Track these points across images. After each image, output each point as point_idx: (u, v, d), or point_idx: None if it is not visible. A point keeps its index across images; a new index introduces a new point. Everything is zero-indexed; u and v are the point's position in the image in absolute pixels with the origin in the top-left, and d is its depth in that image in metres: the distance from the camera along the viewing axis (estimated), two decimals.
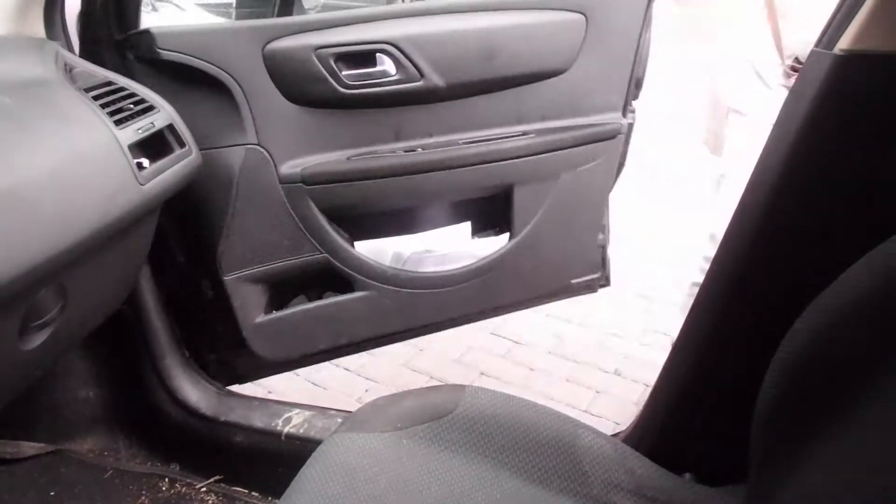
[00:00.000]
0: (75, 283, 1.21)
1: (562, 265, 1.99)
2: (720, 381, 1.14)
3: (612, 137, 1.83)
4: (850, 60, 0.87)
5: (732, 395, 1.10)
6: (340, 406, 2.24)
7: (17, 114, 1.11)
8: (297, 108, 1.56)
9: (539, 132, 1.75)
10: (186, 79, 1.48)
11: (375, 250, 1.79)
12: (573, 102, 1.76)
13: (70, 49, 1.47)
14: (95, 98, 1.27)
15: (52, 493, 1.71)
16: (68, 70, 1.34)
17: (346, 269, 1.71)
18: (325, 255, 1.68)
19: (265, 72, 1.51)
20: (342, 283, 1.74)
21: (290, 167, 1.59)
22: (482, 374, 2.60)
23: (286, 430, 1.70)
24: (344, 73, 1.55)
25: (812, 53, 0.93)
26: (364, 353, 2.63)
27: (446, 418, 1.09)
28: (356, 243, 1.75)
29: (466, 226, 1.90)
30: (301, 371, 2.58)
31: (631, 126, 1.87)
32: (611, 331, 2.86)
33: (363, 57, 1.57)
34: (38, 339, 1.16)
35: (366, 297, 1.74)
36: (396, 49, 1.55)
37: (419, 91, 1.59)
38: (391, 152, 1.65)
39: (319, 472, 0.98)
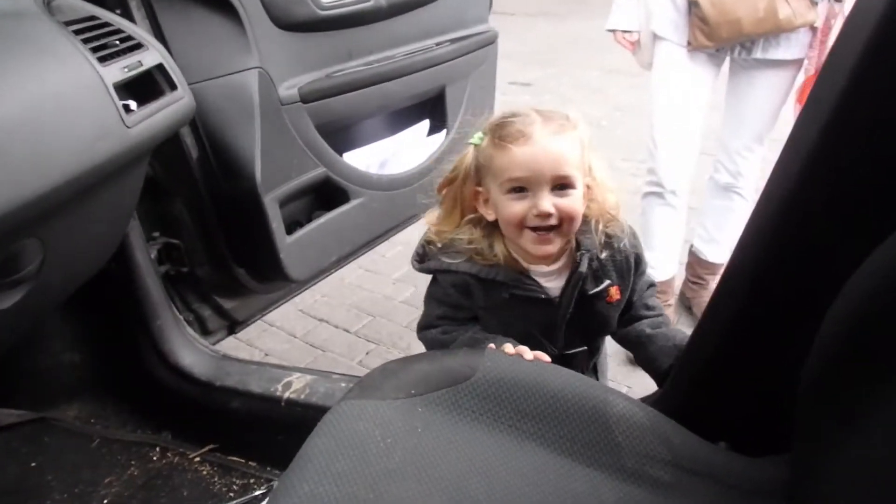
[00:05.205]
0: (54, 237, 1.14)
1: None
2: (753, 348, 1.06)
3: (493, 42, 2.25)
4: None
5: (766, 362, 1.04)
6: (341, 370, 2.17)
7: None
8: (281, 31, 1.68)
9: (452, 41, 2.10)
10: (203, 4, 1.54)
11: (359, 158, 1.99)
12: (458, 17, 2.13)
13: None
14: (77, 33, 1.19)
15: (33, 464, 1.64)
16: (46, 2, 1.25)
17: (341, 181, 1.87)
18: (325, 169, 1.81)
19: None
20: (339, 194, 1.89)
21: (286, 88, 1.69)
22: None
23: (286, 395, 1.63)
24: None
25: None
26: (365, 315, 2.60)
27: (465, 384, 1.01)
28: (344, 155, 1.93)
29: (425, 124, 2.17)
30: (298, 333, 2.53)
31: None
32: None
33: None
34: (12, 298, 1.10)
35: (360, 204, 1.93)
36: None
37: (371, 10, 1.83)
38: (357, 68, 1.86)
39: (327, 444, 0.90)
